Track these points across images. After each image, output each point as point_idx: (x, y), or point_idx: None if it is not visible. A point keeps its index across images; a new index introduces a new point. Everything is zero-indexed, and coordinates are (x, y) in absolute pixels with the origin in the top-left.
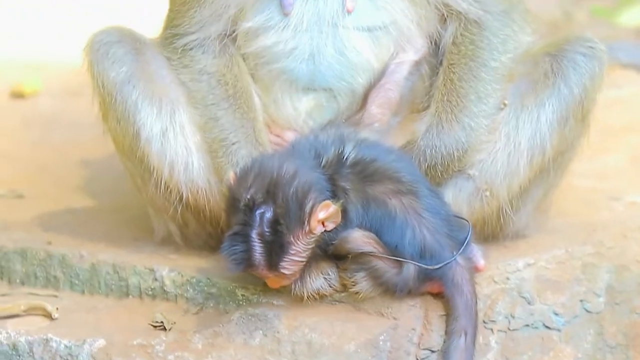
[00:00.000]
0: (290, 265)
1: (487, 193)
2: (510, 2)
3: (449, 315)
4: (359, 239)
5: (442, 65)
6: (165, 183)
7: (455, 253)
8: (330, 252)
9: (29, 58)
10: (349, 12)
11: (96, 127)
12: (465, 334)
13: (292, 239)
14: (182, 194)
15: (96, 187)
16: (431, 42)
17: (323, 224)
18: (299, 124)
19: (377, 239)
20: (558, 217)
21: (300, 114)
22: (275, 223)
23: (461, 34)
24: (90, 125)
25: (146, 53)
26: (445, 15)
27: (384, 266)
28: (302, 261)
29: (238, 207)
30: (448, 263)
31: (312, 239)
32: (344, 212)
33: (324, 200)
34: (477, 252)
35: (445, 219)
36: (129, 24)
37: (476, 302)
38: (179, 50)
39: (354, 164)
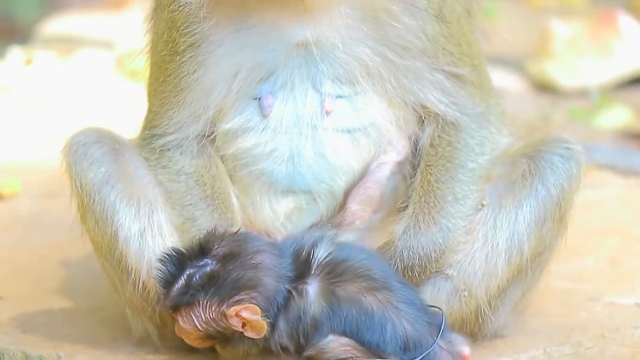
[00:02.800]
0: (187, 319)
1: (466, 293)
2: (487, 105)
3: None
4: (336, 348)
5: (420, 166)
6: (143, 283)
7: (435, 339)
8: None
9: (7, 160)
10: (327, 113)
11: (75, 228)
12: None
13: (205, 303)
14: (160, 294)
15: (74, 288)
16: (412, 144)
17: (243, 325)
18: (276, 227)
19: (354, 343)
20: (536, 317)
21: (278, 216)
22: (206, 279)
23: (438, 136)
24: (69, 226)
25: (124, 153)
26: (423, 117)
27: None
28: (200, 330)
29: (200, 243)
30: (432, 349)
31: (222, 324)
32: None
33: (257, 306)
34: (461, 340)
35: (421, 308)
36: (108, 124)
37: None
38: (157, 151)
39: (325, 265)
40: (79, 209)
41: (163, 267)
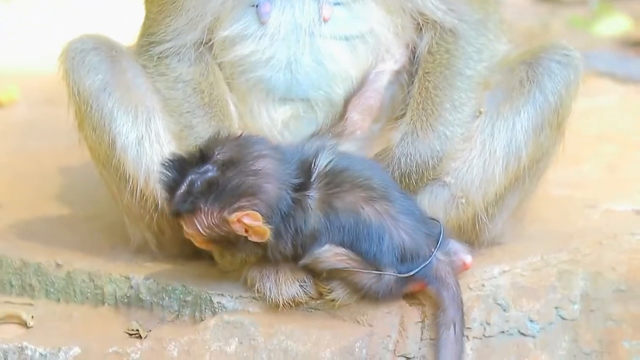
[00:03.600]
0: (190, 225)
1: (463, 200)
2: (485, 11)
3: (437, 309)
4: (331, 257)
5: (418, 74)
6: (141, 191)
7: (432, 251)
8: (303, 266)
9: (6, 67)
10: (325, 20)
11: (72, 136)
12: (454, 325)
13: (207, 210)
14: (158, 202)
15: (72, 196)
16: (410, 52)
17: (246, 230)
18: (274, 134)
19: (349, 254)
20: (534, 224)
21: (276, 124)
22: (208, 184)
23: (437, 43)
24: (66, 134)
25: (122, 61)
26: (421, 25)
27: (361, 278)
28: (203, 234)
29: (201, 149)
30: (427, 264)
31: (226, 229)
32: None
33: (259, 213)
34: (461, 249)
35: (420, 219)
36: (106, 31)
37: (460, 293)
38: (155, 58)
39: (324, 176)
40: (76, 116)
41: (165, 172)
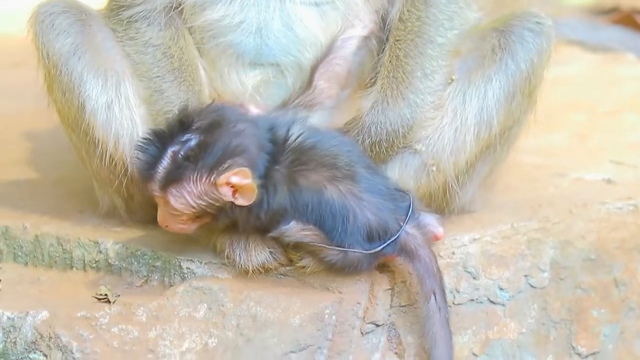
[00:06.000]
0: (178, 198)
1: (434, 168)
2: None
3: (413, 281)
4: (297, 233)
5: (389, 41)
6: (111, 156)
7: (401, 225)
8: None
9: None
10: None
11: (40, 99)
12: (434, 294)
13: (195, 176)
14: (127, 166)
15: (40, 160)
16: (380, 18)
17: (234, 192)
18: (245, 99)
19: (315, 230)
20: (504, 193)
21: (246, 88)
22: (192, 152)
23: (408, 10)
24: (34, 97)
25: (92, 24)
26: None
27: (327, 254)
28: (192, 206)
29: (177, 120)
30: (393, 240)
31: (214, 196)
32: (269, 200)
33: (246, 169)
34: (433, 221)
35: (388, 195)
36: None
37: (436, 261)
38: (125, 22)
39: (292, 151)
40: (45, 80)
41: (142, 152)
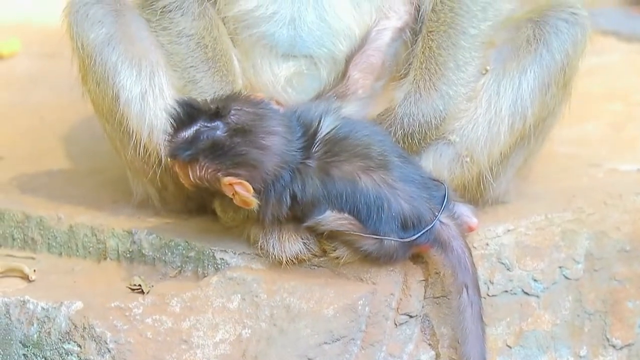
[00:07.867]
0: (183, 169)
1: (468, 159)
2: None
3: (447, 273)
4: (333, 222)
5: (422, 32)
6: (144, 146)
7: (436, 215)
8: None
9: (8, 19)
10: None
11: (75, 89)
12: (466, 287)
13: (203, 165)
14: (161, 156)
15: (75, 150)
16: (414, 9)
17: (234, 194)
18: (277, 91)
19: (351, 218)
20: (538, 183)
21: (279, 80)
22: (213, 143)
23: (441, 1)
24: (69, 87)
25: (126, 14)
26: None
27: (363, 243)
28: (191, 181)
29: (218, 105)
30: (428, 229)
31: (215, 186)
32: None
33: (252, 187)
34: (467, 211)
35: (422, 184)
36: None
37: (470, 254)
38: (158, 12)
39: (325, 143)
40: (80, 70)
41: (175, 116)
